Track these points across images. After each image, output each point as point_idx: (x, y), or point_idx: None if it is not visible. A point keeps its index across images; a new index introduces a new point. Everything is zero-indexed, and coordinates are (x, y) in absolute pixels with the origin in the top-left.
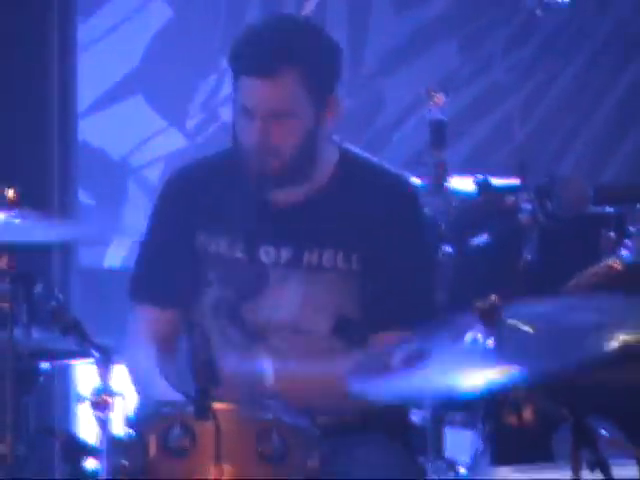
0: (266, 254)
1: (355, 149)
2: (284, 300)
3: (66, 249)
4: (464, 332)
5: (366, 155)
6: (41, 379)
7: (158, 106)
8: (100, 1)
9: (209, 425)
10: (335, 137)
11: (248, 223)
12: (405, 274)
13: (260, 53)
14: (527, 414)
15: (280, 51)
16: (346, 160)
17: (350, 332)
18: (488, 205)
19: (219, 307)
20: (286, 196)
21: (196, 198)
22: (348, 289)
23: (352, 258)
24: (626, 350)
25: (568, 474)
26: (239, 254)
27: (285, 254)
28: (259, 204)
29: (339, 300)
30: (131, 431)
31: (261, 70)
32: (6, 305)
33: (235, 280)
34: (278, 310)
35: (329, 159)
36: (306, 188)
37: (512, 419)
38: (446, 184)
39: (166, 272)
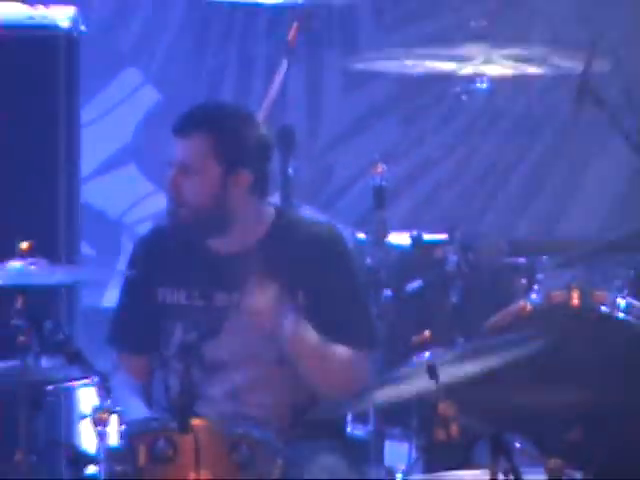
0: (219, 299)
1: (289, 209)
2: (238, 337)
3: (70, 291)
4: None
5: (299, 212)
6: (49, 400)
7: (148, 173)
8: (98, 87)
9: (189, 438)
10: (272, 200)
11: (198, 274)
12: (343, 303)
13: (182, 119)
14: (453, 429)
15: (195, 119)
16: (281, 217)
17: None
18: (420, 256)
19: (183, 349)
20: (226, 246)
21: (154, 260)
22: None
23: (298, 295)
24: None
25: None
26: (196, 302)
27: (236, 297)
28: (203, 256)
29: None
30: (124, 442)
31: (178, 131)
32: (21, 338)
33: (195, 325)
34: (234, 346)
35: (265, 217)
36: (245, 239)
37: (440, 433)
38: (386, 239)
39: (135, 325)
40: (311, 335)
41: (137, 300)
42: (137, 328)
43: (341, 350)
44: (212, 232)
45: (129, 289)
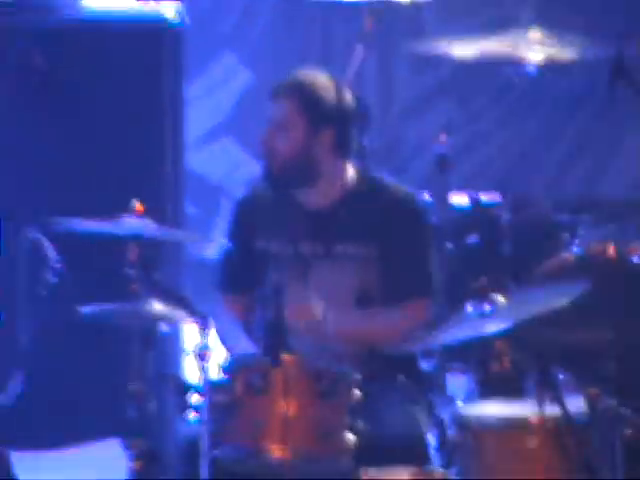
0: (306, 248)
1: (372, 172)
2: (322, 280)
3: (177, 246)
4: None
5: (378, 174)
6: (158, 337)
7: (243, 144)
8: (201, 69)
9: (279, 371)
10: (355, 163)
11: (288, 225)
12: (412, 257)
13: (277, 85)
14: (506, 364)
15: (286, 85)
16: (362, 176)
17: (369, 304)
18: (477, 215)
19: (275, 291)
20: (312, 201)
21: (251, 215)
22: (368, 272)
23: (371, 247)
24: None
25: (535, 408)
26: (286, 250)
27: (319, 247)
28: (292, 209)
29: (360, 281)
30: (224, 376)
31: (273, 95)
32: (134, 285)
33: (285, 270)
34: (318, 288)
35: (348, 176)
36: (329, 195)
37: (495, 367)
38: (447, 200)
39: (237, 271)
40: (353, 322)
41: (238, 250)
42: (238, 273)
43: (393, 316)
44: (299, 183)
45: (232, 241)
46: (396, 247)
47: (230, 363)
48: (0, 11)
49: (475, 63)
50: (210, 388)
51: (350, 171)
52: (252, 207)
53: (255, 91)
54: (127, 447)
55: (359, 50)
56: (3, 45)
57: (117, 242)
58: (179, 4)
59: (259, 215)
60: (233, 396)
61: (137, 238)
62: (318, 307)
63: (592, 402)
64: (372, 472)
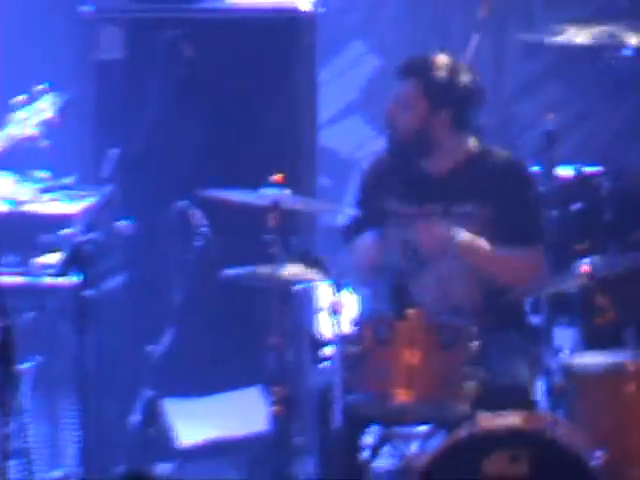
0: (428, 207)
1: (492, 145)
2: (443, 237)
3: (312, 213)
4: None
5: (494, 146)
6: (295, 295)
7: (370, 122)
8: (333, 54)
9: (405, 324)
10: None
11: (412, 187)
12: (524, 212)
13: (402, 66)
14: (608, 317)
15: (410, 67)
16: (478, 146)
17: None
18: (582, 184)
19: (402, 246)
20: (433, 167)
21: (378, 180)
22: (482, 230)
23: (485, 207)
24: None
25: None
26: (411, 209)
27: (440, 206)
28: (415, 174)
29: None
30: (354, 329)
31: (399, 75)
32: (274, 249)
33: (410, 224)
34: (436, 241)
35: (466, 146)
36: (448, 162)
37: (598, 319)
38: (554, 171)
39: (366, 229)
40: (484, 246)
41: (367, 211)
42: (368, 223)
43: (514, 253)
44: (419, 154)
45: (360, 206)
46: (509, 205)
47: (360, 317)
48: (150, 3)
49: (579, 48)
50: (341, 340)
51: (468, 143)
52: (378, 174)
53: (382, 75)
54: (268, 394)
55: (475, 37)
56: (154, 35)
57: (258, 210)
58: None
59: (385, 181)
60: (362, 347)
61: (276, 207)
62: (448, 228)
63: None
64: (488, 416)
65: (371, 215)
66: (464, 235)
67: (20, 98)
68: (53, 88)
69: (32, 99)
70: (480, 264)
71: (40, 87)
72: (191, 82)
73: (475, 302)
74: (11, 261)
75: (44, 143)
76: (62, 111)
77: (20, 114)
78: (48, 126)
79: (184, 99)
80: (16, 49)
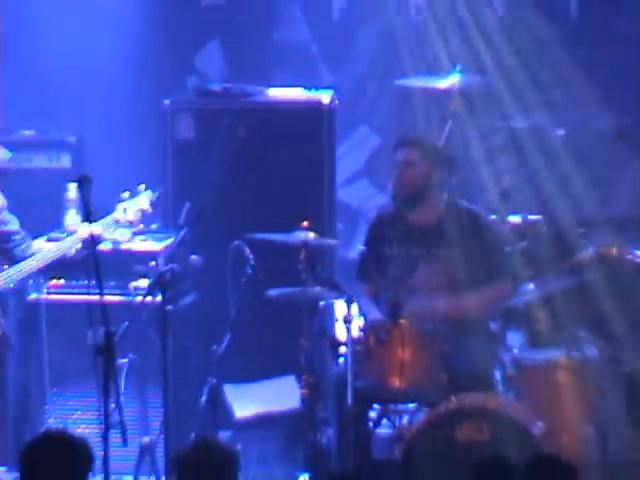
0: (415, 251)
1: (454, 196)
2: (423, 275)
3: (331, 250)
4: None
5: (464, 201)
6: (319, 309)
7: (374, 184)
8: (346, 135)
9: (398, 329)
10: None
11: (404, 236)
12: (488, 254)
13: (405, 138)
14: (545, 324)
15: (412, 138)
16: (451, 202)
17: (453, 289)
18: (526, 228)
19: (395, 280)
20: (419, 220)
21: (380, 229)
22: (454, 268)
23: (455, 251)
24: None
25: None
26: (402, 253)
27: (424, 251)
28: (406, 225)
29: (448, 274)
30: (362, 333)
31: (403, 143)
32: (304, 275)
33: (401, 266)
34: (423, 278)
35: (442, 202)
36: (431, 216)
37: (538, 327)
38: (506, 219)
39: (370, 266)
40: (462, 301)
41: (371, 252)
42: (371, 268)
43: (481, 291)
44: (414, 206)
45: (366, 247)
46: (476, 248)
47: (365, 325)
48: (216, 98)
49: (523, 130)
50: (352, 342)
51: (445, 198)
52: (381, 223)
53: (381, 150)
54: (299, 381)
55: (449, 123)
56: (216, 120)
57: (292, 248)
58: (331, 92)
59: (385, 229)
60: (367, 347)
61: (305, 245)
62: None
63: (602, 350)
64: (458, 397)
65: (374, 256)
66: (444, 306)
67: (125, 194)
68: (148, 187)
69: (133, 194)
70: (460, 314)
71: (140, 186)
72: (243, 154)
73: (450, 314)
74: (113, 285)
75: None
76: (153, 204)
77: (124, 204)
78: (143, 214)
79: (238, 166)
80: (117, 146)
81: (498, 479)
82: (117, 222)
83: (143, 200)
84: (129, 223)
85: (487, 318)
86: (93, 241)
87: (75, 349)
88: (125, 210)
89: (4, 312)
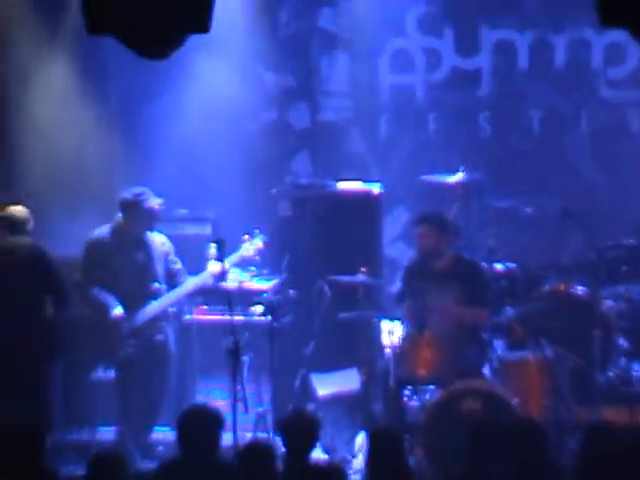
0: (433, 291)
1: (464, 254)
2: (438, 299)
3: (380, 286)
4: None
5: (465, 254)
6: (372, 325)
7: (408, 245)
8: (389, 214)
9: (424, 337)
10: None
11: (427, 276)
12: (480, 291)
13: (426, 216)
14: (519, 335)
15: (429, 217)
16: (457, 255)
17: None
18: (507, 273)
19: (420, 304)
20: (436, 266)
21: (412, 271)
22: (459, 297)
23: (459, 288)
24: None
25: (533, 354)
26: (425, 287)
27: (438, 286)
28: (428, 270)
29: (455, 301)
30: (400, 340)
31: (424, 221)
32: (363, 303)
33: (425, 295)
34: (437, 304)
35: (450, 255)
36: (446, 263)
37: (515, 336)
38: (494, 266)
39: (404, 295)
40: (464, 312)
41: (405, 287)
42: (405, 297)
43: (474, 310)
44: (431, 258)
45: (403, 283)
46: (471, 287)
47: (403, 335)
48: (304, 189)
49: (504, 209)
50: (393, 346)
51: (453, 253)
52: (410, 269)
53: (408, 224)
54: (359, 371)
55: (455, 204)
56: (304, 203)
57: (355, 285)
58: (379, 185)
59: (415, 271)
60: (403, 349)
61: (364, 284)
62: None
63: (555, 352)
64: (462, 382)
65: (407, 289)
66: (454, 308)
67: (246, 236)
68: (261, 232)
69: (252, 236)
70: (460, 319)
71: (256, 231)
72: (323, 225)
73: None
74: (239, 309)
75: (257, 257)
76: (265, 243)
77: (246, 245)
78: (258, 251)
79: (319, 233)
80: (240, 220)
81: (489, 436)
82: (242, 257)
83: (258, 241)
84: (250, 257)
85: (480, 330)
86: (222, 274)
87: (214, 351)
88: (247, 248)
89: (169, 328)
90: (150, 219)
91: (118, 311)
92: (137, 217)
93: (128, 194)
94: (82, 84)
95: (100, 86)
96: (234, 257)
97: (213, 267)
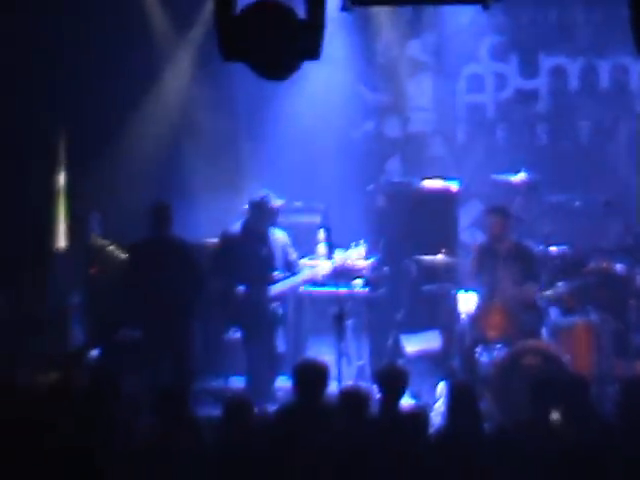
0: (499, 264)
1: (523, 240)
2: (504, 276)
3: (456, 265)
4: None
5: (525, 241)
6: (451, 295)
7: (481, 230)
8: (463, 207)
9: (493, 304)
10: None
11: (494, 256)
12: (535, 269)
13: (492, 208)
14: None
15: (498, 209)
16: (518, 241)
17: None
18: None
19: (489, 278)
20: (501, 248)
21: (483, 253)
22: (518, 273)
23: (518, 266)
24: None
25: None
26: (493, 264)
27: (503, 264)
28: (495, 251)
29: (516, 276)
30: (474, 307)
31: (490, 211)
32: (442, 278)
33: (493, 271)
34: (502, 279)
35: (513, 240)
36: (506, 247)
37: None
38: (549, 249)
39: (477, 271)
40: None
41: (477, 264)
42: (477, 273)
43: (532, 284)
44: (498, 242)
45: (476, 261)
46: (529, 265)
47: (478, 303)
48: (395, 186)
49: (558, 203)
50: (468, 313)
51: (514, 238)
52: (482, 250)
53: (481, 212)
54: (441, 333)
55: (518, 200)
56: (398, 197)
57: (435, 264)
58: (457, 182)
59: (484, 253)
60: (477, 314)
61: (443, 262)
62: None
63: (600, 317)
64: (524, 341)
65: (479, 266)
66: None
67: (353, 244)
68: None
69: (356, 244)
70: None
71: (361, 240)
72: (411, 214)
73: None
74: (343, 283)
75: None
76: (367, 251)
77: (352, 250)
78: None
79: (410, 221)
80: (344, 210)
81: (546, 386)
82: (348, 260)
83: (361, 249)
84: (354, 265)
85: (537, 300)
86: (335, 272)
87: (323, 317)
88: (351, 252)
89: (287, 300)
90: (272, 217)
91: (239, 290)
92: (262, 216)
93: (256, 196)
94: (209, 88)
95: (227, 91)
96: (342, 257)
97: (325, 265)
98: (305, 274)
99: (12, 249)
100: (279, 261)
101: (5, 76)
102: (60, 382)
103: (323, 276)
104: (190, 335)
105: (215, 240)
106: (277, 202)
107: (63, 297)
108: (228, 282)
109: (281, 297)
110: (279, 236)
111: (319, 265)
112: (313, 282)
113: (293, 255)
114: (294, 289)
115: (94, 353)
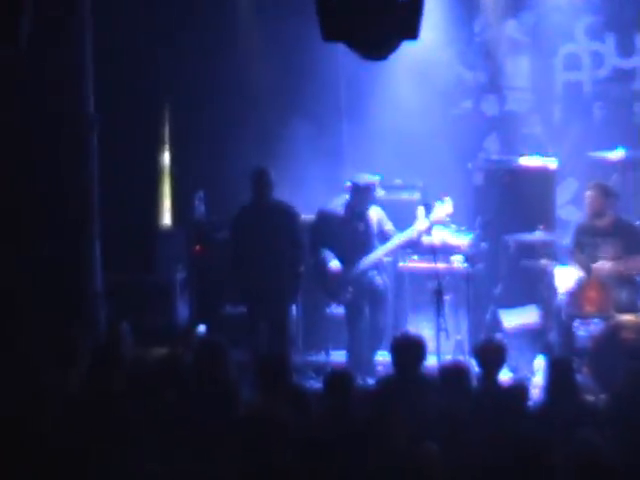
0: (599, 240)
1: (622, 216)
2: (604, 251)
3: (554, 241)
4: None
5: (622, 215)
6: (547, 271)
7: (578, 207)
8: (561, 182)
9: (591, 280)
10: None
11: (593, 233)
12: (635, 246)
13: (590, 185)
14: None
15: (595, 186)
16: (617, 216)
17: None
18: None
19: (589, 253)
20: (601, 225)
21: (581, 230)
22: (620, 248)
23: (620, 241)
24: None
25: None
26: (591, 241)
27: (603, 240)
28: (595, 228)
29: (617, 251)
30: (573, 283)
31: (590, 188)
32: (541, 251)
33: (592, 247)
34: (602, 254)
35: (612, 216)
36: (605, 223)
37: None
38: None
39: (576, 248)
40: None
41: (576, 241)
42: (576, 249)
43: (631, 259)
44: (597, 219)
45: (574, 237)
46: (628, 242)
47: (574, 278)
48: (493, 163)
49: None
50: (567, 289)
51: (613, 213)
52: (580, 228)
53: (579, 189)
54: (539, 308)
55: (614, 177)
56: (495, 174)
57: (533, 240)
58: (555, 159)
59: (582, 230)
60: (576, 290)
61: (541, 239)
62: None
63: None
64: (620, 317)
65: (577, 243)
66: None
67: (439, 201)
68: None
69: (442, 202)
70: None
71: (447, 197)
72: (508, 190)
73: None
74: (442, 258)
75: (447, 219)
76: (455, 207)
77: (440, 205)
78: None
79: (505, 198)
80: (445, 187)
81: None
82: (436, 218)
83: (448, 204)
84: (441, 219)
85: (635, 275)
86: (427, 229)
87: (423, 292)
88: (438, 211)
89: (386, 275)
90: (371, 197)
91: (334, 264)
92: (362, 197)
93: (357, 179)
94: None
95: (329, 78)
96: (430, 218)
97: (418, 224)
98: (400, 237)
99: (119, 227)
100: (375, 237)
101: (113, 58)
102: (169, 357)
103: (419, 234)
104: (289, 311)
105: (312, 216)
106: (374, 179)
107: (168, 274)
108: (324, 258)
109: (378, 266)
110: (374, 212)
111: (413, 227)
112: (410, 244)
113: (388, 225)
114: (392, 253)
115: (201, 329)
